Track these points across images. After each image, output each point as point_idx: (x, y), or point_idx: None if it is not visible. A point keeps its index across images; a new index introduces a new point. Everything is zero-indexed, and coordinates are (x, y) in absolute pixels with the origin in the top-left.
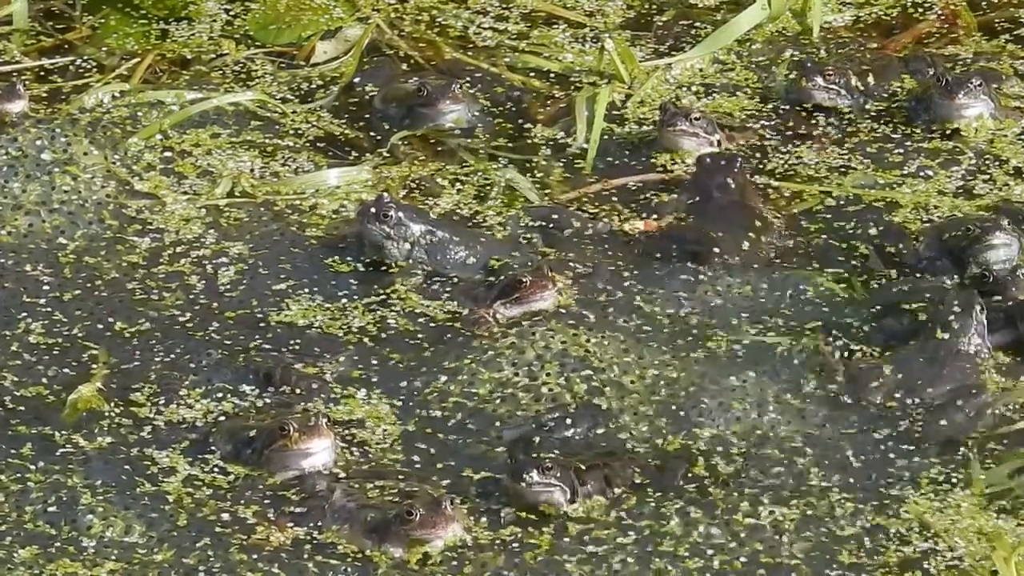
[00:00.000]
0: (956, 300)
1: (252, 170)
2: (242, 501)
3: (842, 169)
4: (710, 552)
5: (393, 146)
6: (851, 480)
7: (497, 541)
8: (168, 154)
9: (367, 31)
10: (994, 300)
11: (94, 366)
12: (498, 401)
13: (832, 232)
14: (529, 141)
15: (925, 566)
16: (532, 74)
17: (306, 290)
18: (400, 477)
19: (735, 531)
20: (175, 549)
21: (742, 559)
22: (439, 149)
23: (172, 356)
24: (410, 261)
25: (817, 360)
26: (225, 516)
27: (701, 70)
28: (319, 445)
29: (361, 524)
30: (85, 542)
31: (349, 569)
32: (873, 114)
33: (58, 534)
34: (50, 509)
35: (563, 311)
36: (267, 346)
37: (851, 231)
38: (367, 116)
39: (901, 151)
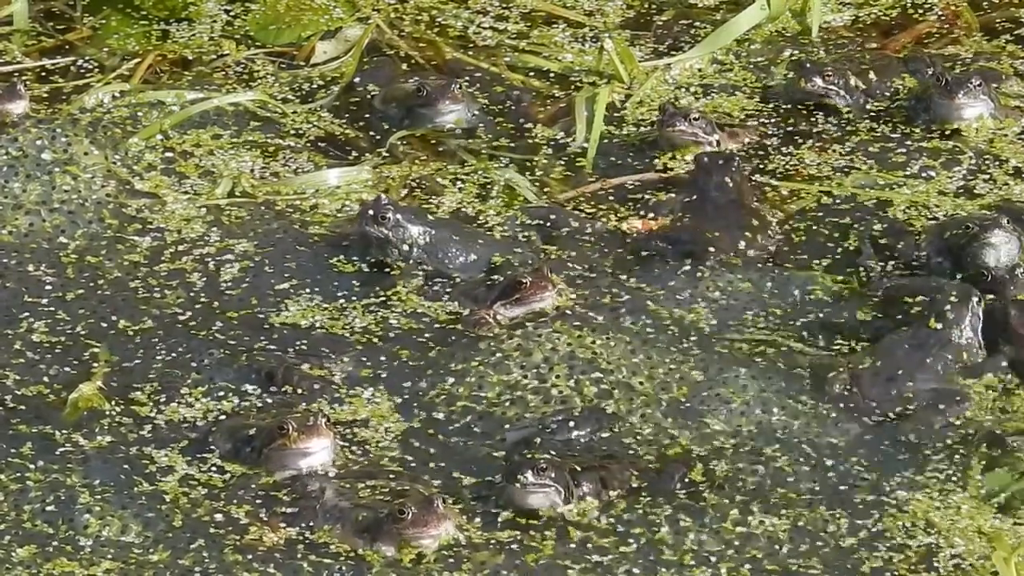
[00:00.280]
0: (953, 291)
1: (252, 170)
2: (235, 500)
3: (844, 169)
4: (707, 556)
5: (393, 146)
6: (851, 481)
7: (492, 541)
8: (169, 154)
9: (367, 31)
10: (991, 299)
11: (95, 365)
12: (507, 404)
13: (832, 231)
14: (529, 141)
15: (925, 566)
16: (532, 74)
17: (308, 290)
18: (392, 476)
19: (734, 535)
20: (171, 549)
21: (746, 565)
22: (439, 149)
23: (174, 355)
24: (410, 262)
25: (820, 362)
26: (220, 516)
27: (700, 70)
28: (318, 445)
29: (353, 523)
30: (82, 541)
31: (343, 568)
32: (873, 114)
33: (56, 533)
34: (48, 508)
35: (567, 312)
36: (269, 346)
37: (851, 230)
38: (367, 116)
39: (901, 151)
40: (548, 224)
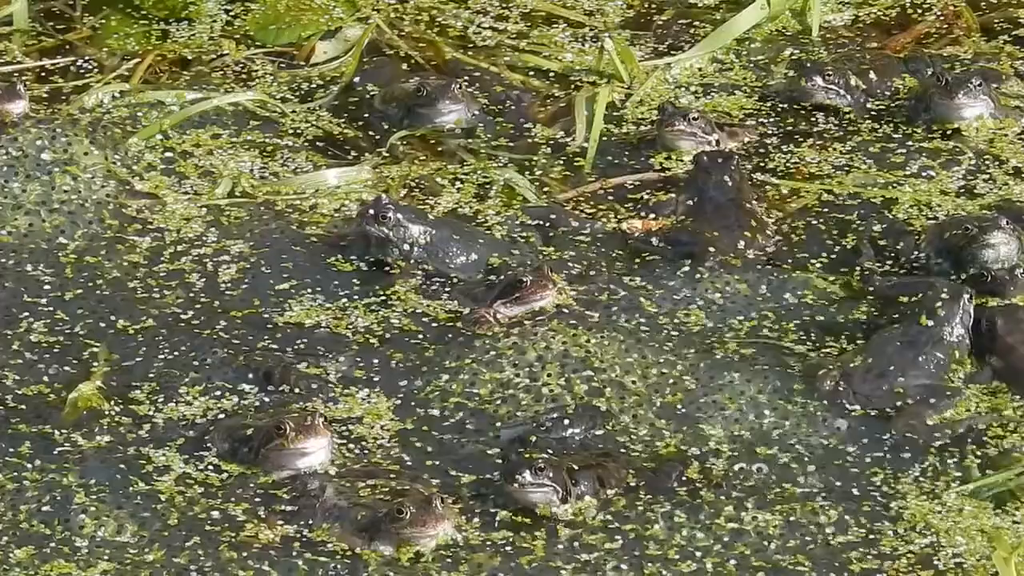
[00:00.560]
0: (944, 289)
1: (252, 170)
2: (233, 500)
3: (844, 169)
4: (699, 555)
5: (393, 146)
6: (851, 480)
7: (488, 542)
8: (168, 154)
9: (367, 31)
10: (987, 303)
11: (94, 365)
12: (499, 401)
13: (831, 232)
14: (529, 141)
15: (925, 566)
16: (532, 74)
17: (307, 290)
18: (391, 476)
19: (729, 533)
20: (166, 549)
21: (733, 562)
22: (439, 149)
23: (173, 355)
24: (411, 261)
25: (815, 363)
26: (216, 515)
27: (700, 70)
28: (316, 444)
29: (352, 522)
30: (78, 542)
31: (339, 567)
32: (873, 114)
33: (52, 534)
34: (45, 509)
35: (564, 311)
36: (268, 345)
37: (850, 230)
38: (367, 116)
39: (901, 151)
40: (548, 224)
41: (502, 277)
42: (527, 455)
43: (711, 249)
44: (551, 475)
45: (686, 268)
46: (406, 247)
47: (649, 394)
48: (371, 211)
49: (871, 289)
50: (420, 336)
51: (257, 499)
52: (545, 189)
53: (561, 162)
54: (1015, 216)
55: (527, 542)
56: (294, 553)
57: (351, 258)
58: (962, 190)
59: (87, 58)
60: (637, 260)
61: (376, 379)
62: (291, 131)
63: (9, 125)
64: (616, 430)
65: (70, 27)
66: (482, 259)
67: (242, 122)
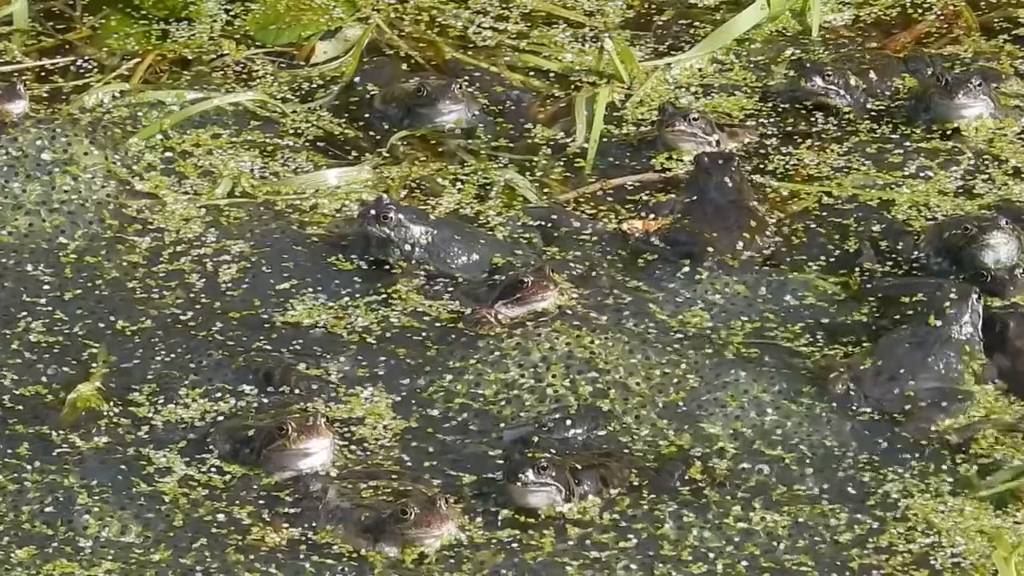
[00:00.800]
0: (953, 289)
1: (252, 170)
2: (237, 501)
3: (843, 169)
4: (710, 555)
5: (393, 146)
6: (852, 480)
7: (493, 541)
8: (168, 154)
9: (367, 31)
10: (994, 306)
11: (94, 365)
12: (503, 402)
13: (831, 231)
14: (529, 141)
15: (924, 566)
16: (532, 74)
17: (308, 290)
18: (394, 477)
19: (731, 534)
20: (171, 549)
21: (743, 563)
22: (439, 149)
23: (172, 355)
24: (412, 261)
25: (821, 363)
26: (221, 516)
27: (700, 70)
28: (318, 445)
29: (356, 524)
30: (82, 542)
31: (345, 569)
32: (873, 114)
33: (55, 534)
34: (47, 509)
35: (566, 312)
36: (268, 346)
37: (850, 231)
38: (367, 116)
39: (901, 151)
40: (548, 224)
41: (503, 278)
42: (530, 455)
43: (710, 249)
44: (554, 475)
45: (686, 269)
46: (407, 247)
47: (652, 395)
48: (372, 211)
49: (871, 289)
50: (422, 336)
51: (260, 501)
52: (546, 190)
53: (561, 163)
54: (1015, 216)
55: (530, 542)
56: (300, 556)
57: (352, 258)
58: (961, 190)
59: (87, 58)
60: (638, 261)
61: (378, 379)
62: (291, 131)
63: (9, 125)
64: (618, 430)
65: (70, 27)
66: (483, 259)
67: (242, 122)
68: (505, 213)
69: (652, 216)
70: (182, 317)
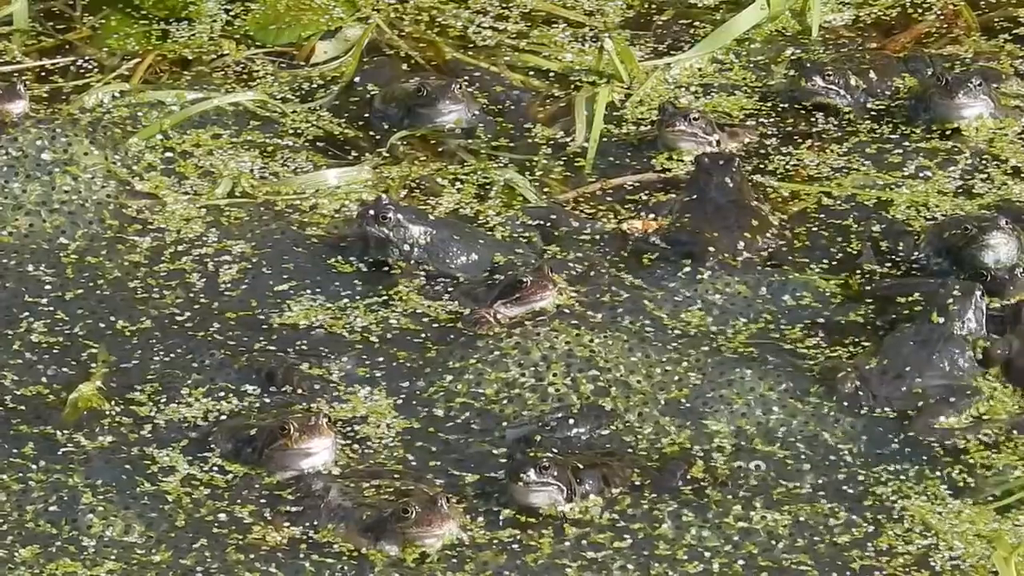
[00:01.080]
0: (956, 286)
1: (252, 170)
2: (239, 501)
3: (843, 170)
4: (707, 555)
5: (393, 146)
6: (852, 480)
7: (495, 541)
8: (168, 154)
9: (367, 31)
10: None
11: (95, 365)
12: (504, 401)
13: (831, 231)
14: (529, 141)
15: (926, 566)
16: (532, 74)
17: (308, 290)
18: (396, 476)
19: (730, 533)
20: (173, 549)
21: (740, 561)
22: (439, 149)
23: (173, 355)
24: (411, 262)
25: (826, 366)
26: (223, 516)
27: (700, 70)
28: (319, 444)
29: (357, 523)
30: (85, 542)
31: (346, 568)
32: (873, 114)
33: (59, 533)
34: (51, 509)
35: (565, 311)
36: (269, 346)
37: (850, 231)
38: (367, 116)
39: (900, 151)
40: (548, 224)
41: (502, 277)
42: (532, 454)
43: (711, 249)
44: (556, 474)
45: (687, 269)
46: (406, 247)
47: (654, 393)
48: (371, 211)
49: (871, 289)
50: (422, 336)
51: (262, 500)
52: (545, 189)
53: (561, 162)
54: (1015, 216)
55: (532, 541)
56: (301, 555)
57: (351, 258)
58: (961, 190)
59: (87, 58)
60: (638, 260)
61: (379, 379)
62: (291, 131)
63: (9, 125)
64: (621, 429)
65: (70, 27)
66: (482, 259)
67: (242, 122)
68: (505, 213)
69: (652, 216)
70: (182, 317)
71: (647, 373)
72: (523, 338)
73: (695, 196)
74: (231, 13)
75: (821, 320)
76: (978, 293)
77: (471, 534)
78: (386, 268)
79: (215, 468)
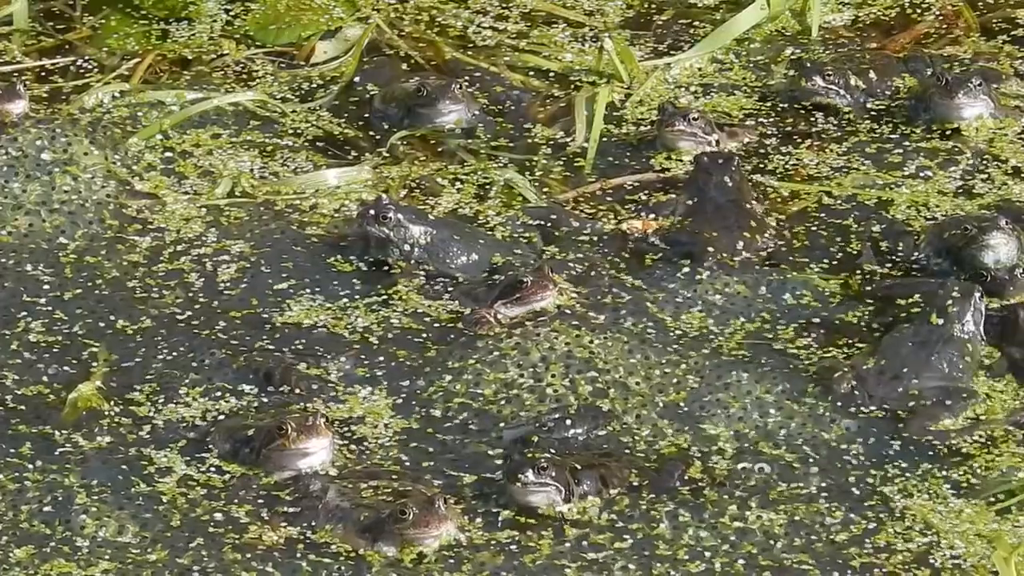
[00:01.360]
0: (956, 288)
1: (252, 170)
2: (236, 501)
3: (843, 169)
4: (707, 555)
5: (393, 146)
6: (853, 480)
7: (493, 541)
8: (168, 154)
9: (367, 31)
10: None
11: (94, 365)
12: (502, 402)
13: (831, 231)
14: (529, 141)
15: (926, 566)
16: (532, 74)
17: (307, 290)
18: (394, 477)
19: (729, 533)
20: (168, 549)
21: (740, 561)
22: (439, 149)
23: (173, 355)
24: (411, 261)
25: (824, 365)
26: (219, 516)
27: (700, 70)
28: (317, 445)
29: (355, 523)
30: (79, 542)
31: (343, 568)
32: (872, 113)
33: (53, 534)
34: (46, 509)
35: (566, 311)
36: (268, 346)
37: (850, 231)
38: (367, 116)
39: (900, 151)
40: (548, 224)
41: (502, 277)
42: (530, 455)
43: (710, 249)
44: (554, 475)
45: (686, 269)
46: (406, 247)
47: (652, 394)
48: (371, 211)
49: (871, 290)
50: (422, 336)
51: (259, 500)
52: (545, 189)
53: (561, 162)
54: (1015, 216)
55: (530, 542)
56: (298, 555)
57: (351, 258)
58: (961, 190)
59: (87, 58)
60: (638, 261)
61: (378, 379)
62: (291, 131)
63: (9, 125)
64: (619, 430)
65: (70, 27)
66: (482, 259)
67: (242, 122)
68: (505, 213)
69: (652, 216)
70: (182, 317)
71: (646, 374)
72: (523, 338)
73: (695, 196)
74: (231, 13)
75: (820, 320)
76: (977, 295)
77: (469, 535)
78: (386, 268)
79: (212, 468)
